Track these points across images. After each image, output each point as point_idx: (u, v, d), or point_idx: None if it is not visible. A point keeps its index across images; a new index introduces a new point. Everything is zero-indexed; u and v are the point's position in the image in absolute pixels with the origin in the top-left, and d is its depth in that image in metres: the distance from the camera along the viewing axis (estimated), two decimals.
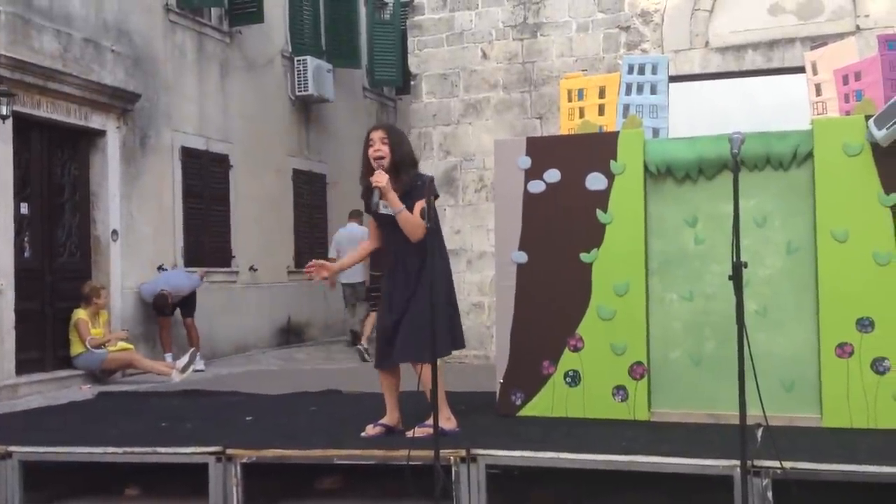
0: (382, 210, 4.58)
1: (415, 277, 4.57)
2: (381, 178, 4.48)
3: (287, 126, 13.22)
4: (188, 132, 11.04)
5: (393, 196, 4.51)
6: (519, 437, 4.39)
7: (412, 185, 4.58)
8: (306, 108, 13.63)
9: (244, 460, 4.29)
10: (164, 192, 10.59)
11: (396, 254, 4.65)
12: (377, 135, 4.62)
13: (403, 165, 4.60)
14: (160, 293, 9.73)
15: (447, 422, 4.53)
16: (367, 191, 4.64)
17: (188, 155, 10.99)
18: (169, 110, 10.70)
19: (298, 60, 13.08)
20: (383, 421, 4.70)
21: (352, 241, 11.08)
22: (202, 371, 9.78)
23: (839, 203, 4.63)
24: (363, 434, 4.60)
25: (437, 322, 4.12)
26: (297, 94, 13.17)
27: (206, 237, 11.28)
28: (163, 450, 4.48)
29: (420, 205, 4.46)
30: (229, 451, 4.31)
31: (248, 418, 5.42)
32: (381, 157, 4.56)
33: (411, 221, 4.52)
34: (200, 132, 11.27)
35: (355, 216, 11.69)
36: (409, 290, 4.57)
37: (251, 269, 12.10)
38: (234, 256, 11.79)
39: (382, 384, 4.77)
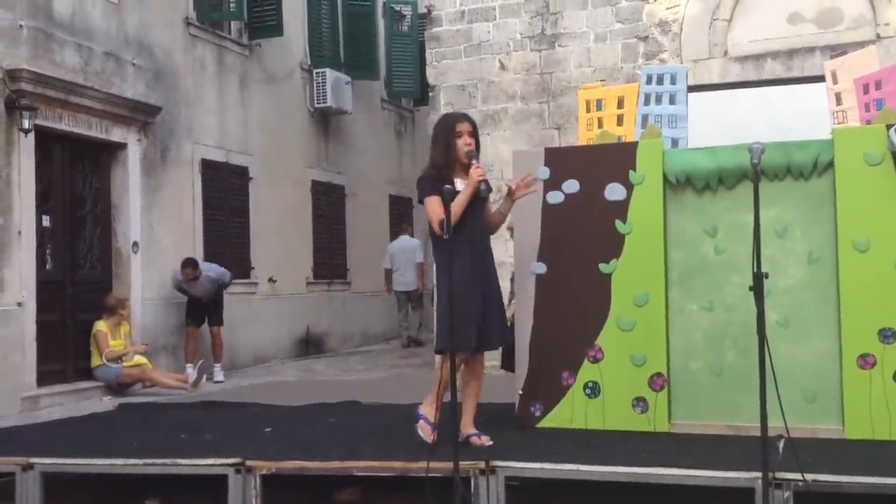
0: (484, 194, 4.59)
1: (490, 264, 4.66)
2: (481, 170, 4.55)
3: (306, 138, 13.29)
4: (208, 144, 11.12)
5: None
6: (538, 449, 4.38)
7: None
8: (325, 120, 13.69)
9: (263, 472, 4.30)
10: (185, 205, 10.66)
11: (477, 240, 4.64)
12: (466, 127, 4.64)
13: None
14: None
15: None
16: (443, 181, 4.55)
17: (208, 167, 11.06)
18: (189, 123, 10.78)
19: (317, 73, 13.15)
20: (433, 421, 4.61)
21: (404, 251, 12.83)
22: (222, 382, 9.81)
23: (860, 212, 4.60)
24: (430, 441, 4.51)
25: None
26: (316, 106, 13.23)
27: (226, 249, 11.34)
28: (183, 461, 4.50)
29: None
30: (249, 463, 4.32)
31: (267, 429, 5.43)
32: (472, 151, 4.60)
33: (505, 214, 4.78)
34: (220, 144, 11.35)
35: (406, 229, 13.31)
36: (492, 276, 4.66)
37: (270, 280, 12.15)
38: (253, 268, 11.84)
39: (442, 378, 4.52)
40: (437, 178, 4.58)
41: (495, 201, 5.10)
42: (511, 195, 4.69)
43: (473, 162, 4.55)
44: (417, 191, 4.70)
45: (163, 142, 10.31)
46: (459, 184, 4.58)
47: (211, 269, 10.04)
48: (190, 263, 9.81)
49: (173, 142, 10.49)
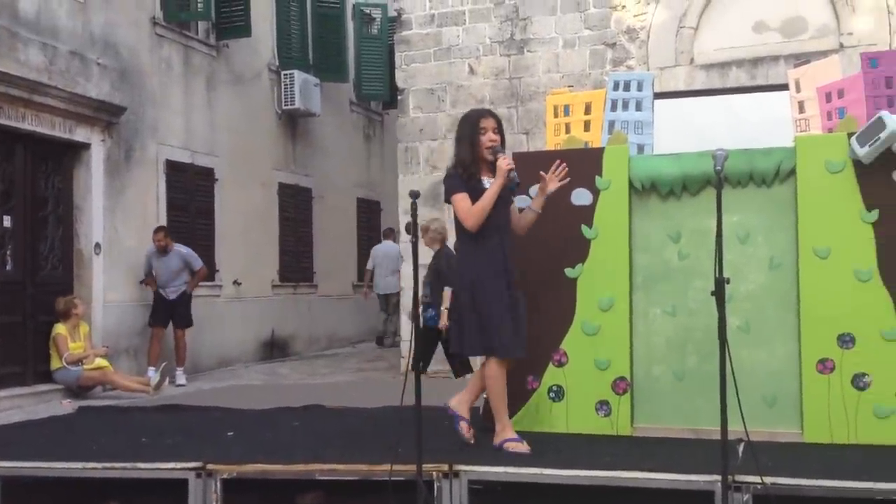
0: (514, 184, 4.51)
1: (513, 266, 4.59)
2: (508, 160, 4.46)
3: (273, 140, 13.22)
4: (174, 145, 11.02)
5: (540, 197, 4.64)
6: (502, 453, 4.39)
7: None
8: (293, 122, 13.63)
9: (224, 475, 4.26)
10: (149, 206, 10.55)
11: (504, 239, 4.58)
12: (490, 123, 4.57)
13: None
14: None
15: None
16: (472, 178, 4.53)
17: (173, 168, 10.97)
18: (155, 123, 10.68)
19: (285, 74, 13.10)
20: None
21: (387, 255, 13.20)
22: (184, 386, 9.72)
23: (821, 220, 4.65)
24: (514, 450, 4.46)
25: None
26: (284, 107, 13.18)
27: None
28: (143, 465, 4.44)
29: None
30: (209, 467, 4.27)
31: (229, 433, 5.39)
32: (497, 147, 4.53)
33: (537, 213, 4.67)
34: (186, 145, 11.26)
35: (389, 234, 13.50)
36: (516, 274, 4.61)
37: (235, 283, 12.07)
38: (218, 270, 11.74)
39: (503, 380, 4.53)
40: (465, 176, 4.53)
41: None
42: (543, 189, 4.62)
43: (500, 154, 4.47)
44: (444, 188, 4.61)
45: (127, 142, 10.21)
46: (486, 182, 4.53)
47: (184, 248, 10.01)
48: (163, 229, 9.92)
49: (138, 142, 10.40)
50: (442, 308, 8.00)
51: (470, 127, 4.59)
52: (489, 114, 4.66)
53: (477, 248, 4.53)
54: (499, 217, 4.52)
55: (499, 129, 4.60)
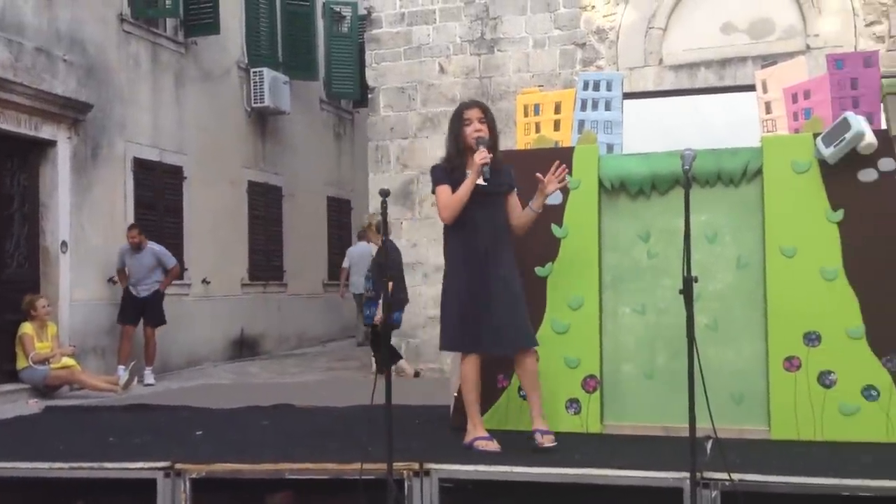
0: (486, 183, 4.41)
1: (503, 262, 4.50)
2: (483, 154, 4.36)
3: (243, 138, 13.14)
4: (141, 143, 10.92)
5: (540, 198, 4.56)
6: (472, 451, 4.39)
7: (500, 169, 4.53)
8: (262, 120, 13.55)
9: (193, 475, 4.23)
10: (116, 204, 10.45)
11: (483, 234, 4.49)
12: (475, 113, 4.52)
13: (495, 147, 4.54)
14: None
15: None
16: (456, 170, 4.49)
17: (141, 166, 10.87)
18: (122, 121, 10.58)
19: (255, 72, 13.02)
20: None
21: (362, 256, 12.92)
22: (152, 385, 9.64)
23: (787, 219, 4.70)
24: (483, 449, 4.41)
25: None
26: (254, 105, 13.10)
27: None
28: (110, 465, 4.40)
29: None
30: (178, 466, 4.24)
31: (198, 433, 5.35)
32: (482, 137, 4.45)
33: (537, 212, 4.57)
34: (154, 143, 11.16)
35: (364, 235, 13.49)
36: (508, 272, 4.50)
37: (204, 281, 11.98)
38: (186, 269, 11.65)
39: (473, 378, 4.49)
40: (449, 169, 4.52)
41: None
42: (542, 190, 4.55)
43: (481, 147, 4.40)
44: (431, 181, 4.60)
45: (94, 139, 10.10)
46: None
47: (157, 246, 9.94)
48: (136, 226, 9.86)
49: (105, 139, 10.29)
50: (381, 301, 8.01)
51: (455, 120, 4.59)
52: (474, 104, 4.64)
53: (454, 241, 4.55)
54: (479, 210, 4.48)
55: (486, 119, 4.54)
